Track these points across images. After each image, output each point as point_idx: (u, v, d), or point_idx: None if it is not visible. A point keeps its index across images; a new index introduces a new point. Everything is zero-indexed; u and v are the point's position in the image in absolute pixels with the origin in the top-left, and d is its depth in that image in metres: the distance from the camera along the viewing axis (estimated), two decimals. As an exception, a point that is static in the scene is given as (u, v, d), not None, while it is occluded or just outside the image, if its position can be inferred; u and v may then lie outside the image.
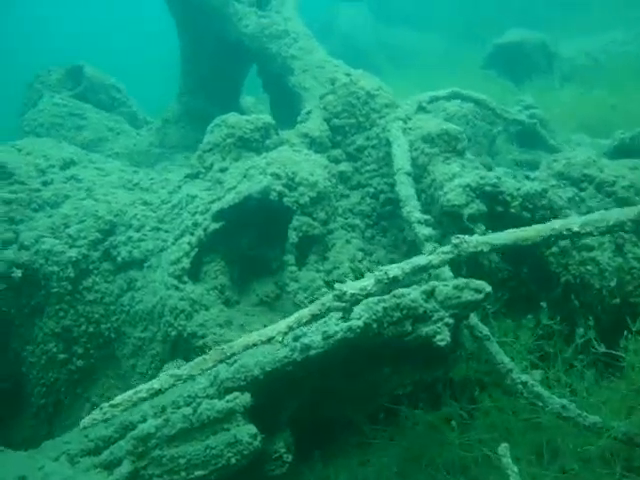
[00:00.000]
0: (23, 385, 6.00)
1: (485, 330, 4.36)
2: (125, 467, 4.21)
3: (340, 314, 4.02)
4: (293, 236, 5.50)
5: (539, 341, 4.58)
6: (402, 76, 15.41)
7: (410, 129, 5.95)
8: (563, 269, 5.02)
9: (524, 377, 4.15)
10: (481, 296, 4.20)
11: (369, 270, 5.52)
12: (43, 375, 5.91)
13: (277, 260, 5.72)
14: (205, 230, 5.59)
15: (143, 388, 3.30)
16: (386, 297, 4.17)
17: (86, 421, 3.17)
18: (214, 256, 5.65)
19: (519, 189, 5.19)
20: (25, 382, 5.98)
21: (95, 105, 10.24)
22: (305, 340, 4.19)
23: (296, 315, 3.51)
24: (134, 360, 5.81)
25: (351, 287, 3.54)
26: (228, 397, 4.21)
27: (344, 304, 3.54)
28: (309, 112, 6.48)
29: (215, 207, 5.65)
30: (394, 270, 3.59)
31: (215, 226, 5.61)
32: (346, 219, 5.95)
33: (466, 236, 3.76)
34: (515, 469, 3.47)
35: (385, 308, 4.14)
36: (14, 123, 10.41)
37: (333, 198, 5.85)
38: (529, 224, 4.67)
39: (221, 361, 3.41)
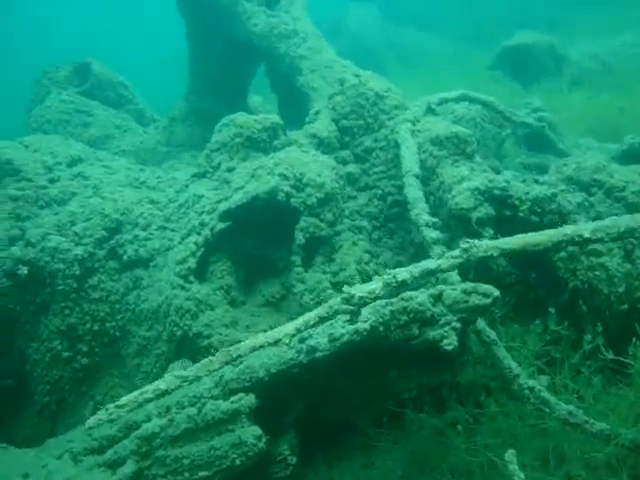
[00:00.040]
0: (27, 383, 5.99)
1: (492, 335, 4.33)
2: (129, 467, 4.20)
3: (347, 317, 4.00)
4: (300, 237, 5.48)
5: (546, 347, 4.55)
6: (411, 76, 15.40)
7: (419, 131, 5.93)
8: (571, 274, 4.99)
9: (531, 383, 4.12)
10: (489, 301, 4.17)
11: (375, 272, 5.52)
12: (47, 373, 5.90)
13: (283, 261, 5.70)
14: (212, 230, 5.58)
15: (149, 389, 3.29)
16: (393, 300, 4.14)
17: (91, 421, 3.16)
18: (220, 256, 5.64)
19: (528, 193, 5.16)
20: (29, 380, 5.97)
21: (102, 102, 10.23)
22: (311, 342, 4.18)
23: (303, 317, 3.49)
24: (139, 359, 5.80)
25: (359, 290, 3.52)
26: (233, 398, 4.20)
27: (352, 307, 3.51)
28: (317, 112, 6.46)
29: (222, 207, 5.64)
30: (403, 274, 3.57)
31: (222, 226, 5.59)
32: (353, 221, 5.93)
33: (475, 240, 3.73)
34: (522, 476, 3.45)
35: (392, 311, 4.12)
36: (21, 119, 10.41)
37: (340, 199, 5.83)
38: (537, 228, 4.65)
39: (227, 363, 3.40)
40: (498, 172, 6.25)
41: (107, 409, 3.21)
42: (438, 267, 3.70)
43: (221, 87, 8.97)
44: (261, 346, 3.42)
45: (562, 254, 5.00)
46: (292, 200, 5.55)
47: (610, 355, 4.20)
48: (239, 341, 4.90)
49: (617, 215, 4.63)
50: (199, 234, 5.60)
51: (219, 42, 8.69)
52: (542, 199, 5.14)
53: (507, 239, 3.81)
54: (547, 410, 4.03)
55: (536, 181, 5.77)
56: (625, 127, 9.18)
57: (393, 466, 4.57)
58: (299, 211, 5.55)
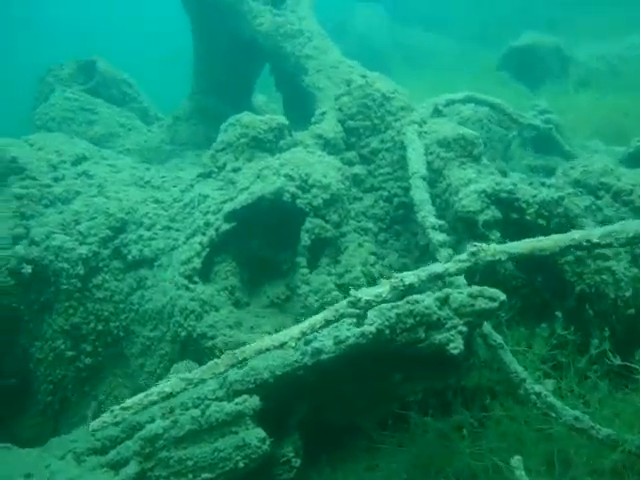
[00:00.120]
0: (30, 382, 5.98)
1: (499, 339, 4.31)
2: (132, 468, 4.18)
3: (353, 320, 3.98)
4: (305, 238, 5.46)
5: (552, 351, 4.54)
6: (417, 76, 15.41)
7: (426, 133, 5.90)
8: (578, 278, 4.96)
9: (537, 387, 4.10)
10: (496, 304, 4.15)
11: (381, 274, 5.50)
12: (51, 372, 5.89)
13: (288, 262, 5.67)
14: (217, 230, 5.55)
15: (154, 391, 3.27)
16: (400, 303, 4.12)
17: (96, 424, 3.14)
18: (225, 257, 5.61)
19: (535, 196, 5.14)
20: (32, 379, 5.96)
21: (107, 100, 10.19)
22: (316, 344, 4.16)
23: (309, 321, 3.47)
24: (143, 359, 5.78)
25: (366, 294, 3.49)
26: (237, 400, 4.17)
27: (358, 311, 3.49)
28: (324, 113, 6.43)
29: (227, 207, 5.61)
30: (410, 277, 3.55)
31: (227, 226, 5.57)
32: (359, 222, 5.91)
33: (483, 244, 3.71)
34: (528, 481, 3.44)
35: (398, 314, 4.10)
36: (24, 117, 10.40)
37: (346, 201, 5.80)
38: (544, 232, 4.63)
39: (233, 366, 3.38)
40: (505, 174, 6.23)
41: (112, 411, 3.20)
42: (446, 271, 3.68)
43: (226, 86, 8.94)
44: (267, 349, 3.40)
45: (569, 257, 4.98)
46: (298, 201, 5.52)
47: (618, 361, 4.18)
48: (243, 342, 4.92)
49: (624, 219, 4.62)
50: (204, 234, 5.58)
51: (224, 41, 8.66)
52: (549, 202, 5.12)
53: (515, 243, 3.78)
54: (553, 415, 4.01)
55: (543, 184, 5.75)
56: (631, 129, 9.15)
57: (397, 469, 4.55)
58: (305, 212, 5.52)
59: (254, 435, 4.07)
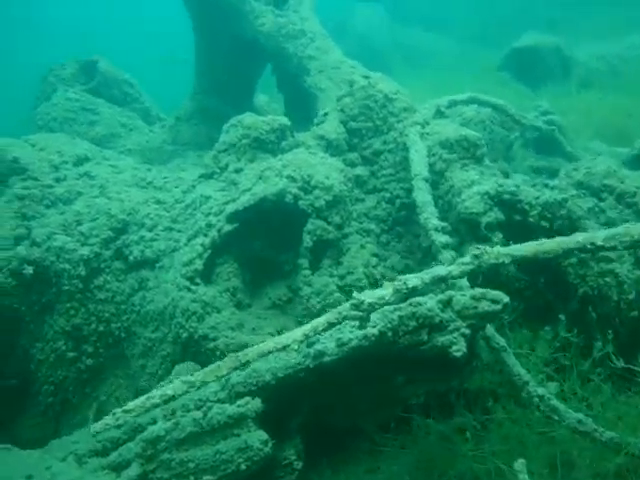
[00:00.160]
0: (31, 383, 5.97)
1: (502, 341, 4.30)
2: (134, 470, 4.17)
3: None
4: (307, 240, 5.45)
5: (555, 353, 4.52)
6: (417, 76, 15.42)
7: (428, 134, 5.88)
8: (581, 280, 4.94)
9: (541, 390, 4.08)
10: (499, 307, 4.13)
11: (383, 276, 5.49)
12: (52, 373, 5.88)
13: (290, 263, 5.66)
14: (219, 231, 5.54)
15: (156, 394, 3.26)
16: (402, 305, 4.11)
17: (98, 426, 3.13)
18: (227, 258, 5.60)
19: (538, 198, 5.12)
20: (33, 380, 5.95)
21: (108, 100, 10.20)
22: (319, 347, 4.14)
23: (312, 323, 3.46)
24: (144, 360, 5.77)
25: (369, 296, 3.48)
26: (239, 402, 4.16)
27: (361, 313, 3.48)
28: (326, 114, 6.41)
29: (229, 208, 5.60)
30: (413, 280, 3.53)
31: (229, 228, 5.55)
32: (361, 224, 5.89)
33: (487, 247, 3.70)
34: (531, 485, 3.42)
35: (401, 317, 4.09)
36: (25, 117, 10.39)
37: (348, 202, 5.78)
38: (547, 233, 4.62)
39: (235, 368, 3.36)
40: (507, 175, 6.22)
41: (114, 414, 3.18)
42: (449, 274, 3.66)
43: (227, 86, 8.94)
44: (269, 352, 3.39)
45: (572, 260, 4.96)
46: (300, 202, 5.51)
47: (621, 364, 4.17)
48: (245, 344, 4.92)
49: (628, 221, 4.60)
50: (206, 235, 5.57)
51: (226, 41, 8.66)
52: (552, 204, 5.10)
53: (518, 246, 3.77)
54: (557, 418, 3.99)
55: (546, 185, 5.73)
56: (632, 130, 9.14)
57: (399, 471, 4.54)
58: (307, 213, 5.51)
59: (256, 437, 4.06)
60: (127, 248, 6.02)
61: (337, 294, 5.32)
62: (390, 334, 4.06)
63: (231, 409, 4.13)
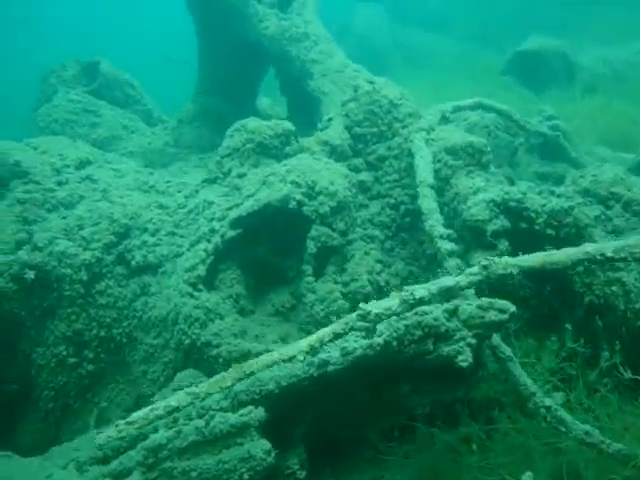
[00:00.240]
0: (32, 388, 5.91)
1: (508, 351, 4.26)
2: (135, 478, 4.11)
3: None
4: (311, 246, 5.41)
5: (562, 363, 4.49)
6: (418, 77, 15.36)
7: (433, 140, 5.85)
8: (587, 289, 4.90)
9: (548, 401, 4.05)
10: (505, 317, 4.09)
11: (387, 283, 5.45)
12: (52, 378, 5.82)
13: (294, 269, 5.63)
14: (222, 237, 5.49)
15: (160, 405, 3.22)
16: (408, 315, 4.06)
17: (101, 439, 3.09)
18: (230, 264, 5.55)
19: (544, 206, 5.08)
20: (34, 385, 5.89)
21: (110, 102, 10.13)
22: (323, 355, 4.09)
23: (318, 334, 3.43)
24: (145, 366, 5.72)
25: (376, 307, 3.45)
26: (242, 411, 4.10)
27: (368, 324, 3.44)
28: (330, 119, 6.38)
29: (233, 214, 5.56)
30: (420, 291, 3.50)
31: (232, 233, 5.51)
32: (365, 230, 5.85)
33: (495, 258, 3.66)
34: (539, 499, 3.38)
35: (407, 326, 4.04)
36: (25, 118, 10.34)
37: (353, 208, 5.75)
38: (553, 241, 4.59)
39: (240, 379, 3.33)
40: (512, 182, 6.18)
41: (117, 426, 3.15)
42: (456, 284, 3.63)
43: (230, 88, 8.88)
44: (274, 363, 3.35)
45: (578, 268, 4.92)
46: (304, 208, 5.47)
47: (628, 374, 4.13)
48: (248, 351, 4.89)
49: (635, 229, 4.57)
50: (209, 241, 5.53)
51: (229, 43, 8.60)
52: (559, 212, 5.06)
53: (527, 257, 3.74)
54: (564, 429, 3.96)
55: (552, 193, 5.69)
56: (638, 136, 9.10)
57: (403, 480, 4.51)
58: (311, 219, 5.47)
59: (259, 447, 4.01)
60: (129, 253, 5.97)
61: (341, 301, 5.28)
62: (395, 343, 4.02)
63: (234, 418, 4.07)
